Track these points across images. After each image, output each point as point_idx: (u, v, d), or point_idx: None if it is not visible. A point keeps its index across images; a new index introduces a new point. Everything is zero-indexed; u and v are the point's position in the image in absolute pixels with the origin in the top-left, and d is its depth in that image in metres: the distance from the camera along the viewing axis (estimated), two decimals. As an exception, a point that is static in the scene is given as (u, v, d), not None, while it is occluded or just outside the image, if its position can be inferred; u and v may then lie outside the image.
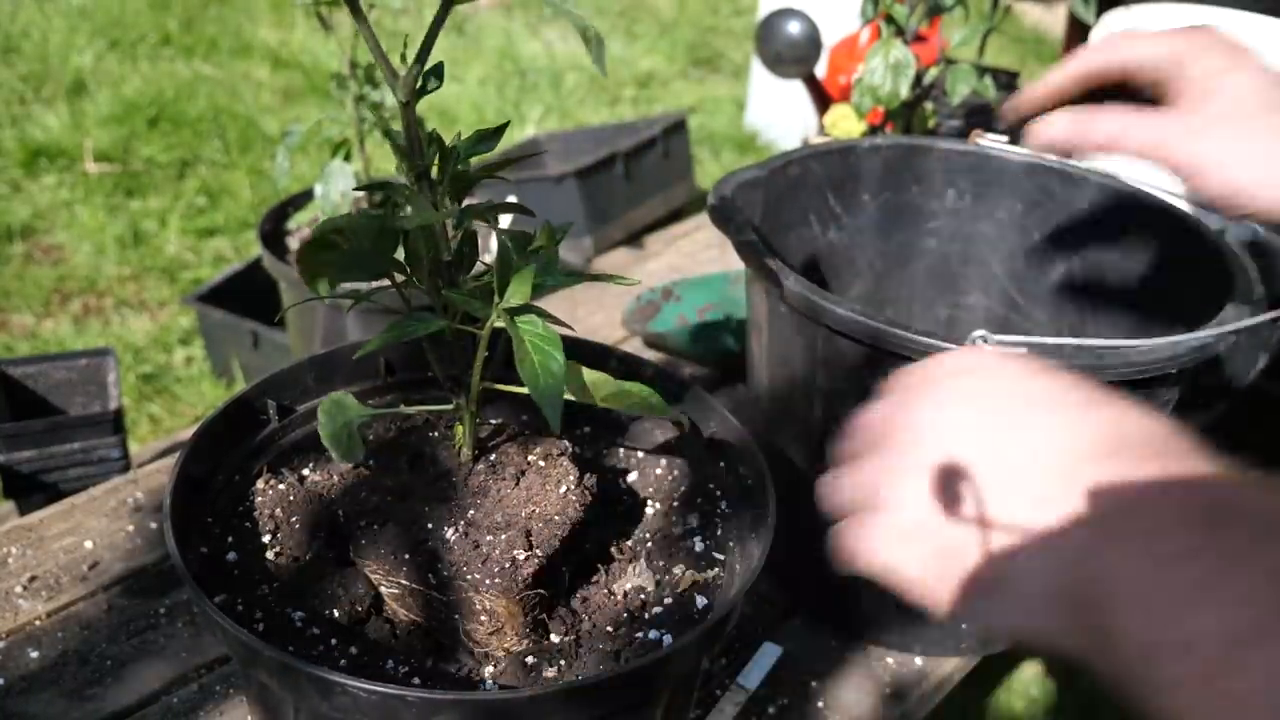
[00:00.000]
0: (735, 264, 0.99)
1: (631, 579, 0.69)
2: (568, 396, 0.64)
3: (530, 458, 0.69)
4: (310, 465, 0.75)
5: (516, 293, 0.57)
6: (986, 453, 0.41)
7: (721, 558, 0.72)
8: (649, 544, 0.73)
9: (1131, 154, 0.67)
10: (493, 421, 0.74)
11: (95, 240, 2.31)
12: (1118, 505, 0.37)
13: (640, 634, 0.65)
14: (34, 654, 0.82)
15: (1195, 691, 0.33)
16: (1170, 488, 0.36)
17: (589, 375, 0.64)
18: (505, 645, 0.64)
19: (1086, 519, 0.37)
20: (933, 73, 1.17)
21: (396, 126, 0.59)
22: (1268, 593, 0.33)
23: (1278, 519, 0.35)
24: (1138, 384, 0.68)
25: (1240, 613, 0.33)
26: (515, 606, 0.63)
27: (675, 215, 1.95)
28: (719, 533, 0.73)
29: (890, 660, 0.88)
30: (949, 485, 0.41)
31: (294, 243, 1.69)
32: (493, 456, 0.70)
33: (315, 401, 0.78)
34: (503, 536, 0.64)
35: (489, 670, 0.63)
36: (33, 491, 1.41)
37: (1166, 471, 0.37)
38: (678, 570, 0.70)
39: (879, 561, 0.43)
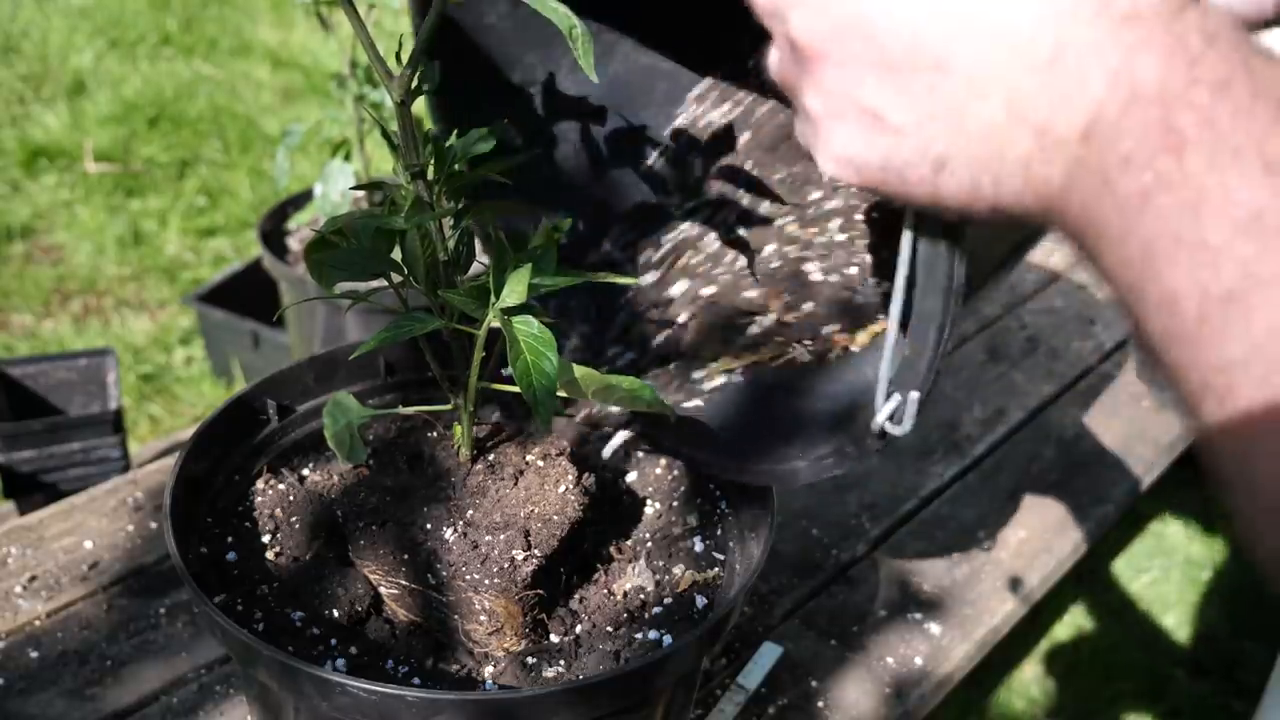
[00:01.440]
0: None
1: (631, 579, 0.69)
2: (561, 394, 0.64)
3: (529, 457, 0.69)
4: (310, 465, 0.75)
5: (513, 293, 0.57)
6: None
7: (721, 558, 0.72)
8: (649, 544, 0.73)
9: None
10: (492, 421, 0.74)
11: (95, 240, 2.31)
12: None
13: (640, 634, 0.65)
14: (34, 654, 0.82)
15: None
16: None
17: (579, 370, 0.64)
18: (505, 645, 0.64)
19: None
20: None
21: (394, 127, 0.59)
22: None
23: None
24: None
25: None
26: (515, 606, 0.63)
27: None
28: (719, 533, 0.73)
29: (890, 660, 0.88)
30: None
31: (294, 243, 1.69)
32: (491, 456, 0.70)
33: (315, 401, 0.78)
34: (502, 536, 0.64)
35: (489, 670, 0.63)
36: (33, 491, 1.41)
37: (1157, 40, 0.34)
38: (678, 570, 0.70)
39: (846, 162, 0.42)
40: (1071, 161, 0.35)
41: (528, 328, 0.58)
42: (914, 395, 0.53)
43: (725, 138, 0.79)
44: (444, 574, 0.64)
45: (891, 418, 0.54)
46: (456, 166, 0.60)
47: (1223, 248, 0.31)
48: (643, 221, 0.80)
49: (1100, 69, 0.34)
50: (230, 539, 0.68)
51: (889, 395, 0.54)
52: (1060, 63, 0.34)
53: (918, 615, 0.93)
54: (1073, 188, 0.35)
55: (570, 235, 0.75)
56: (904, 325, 0.52)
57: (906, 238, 0.48)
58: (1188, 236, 0.31)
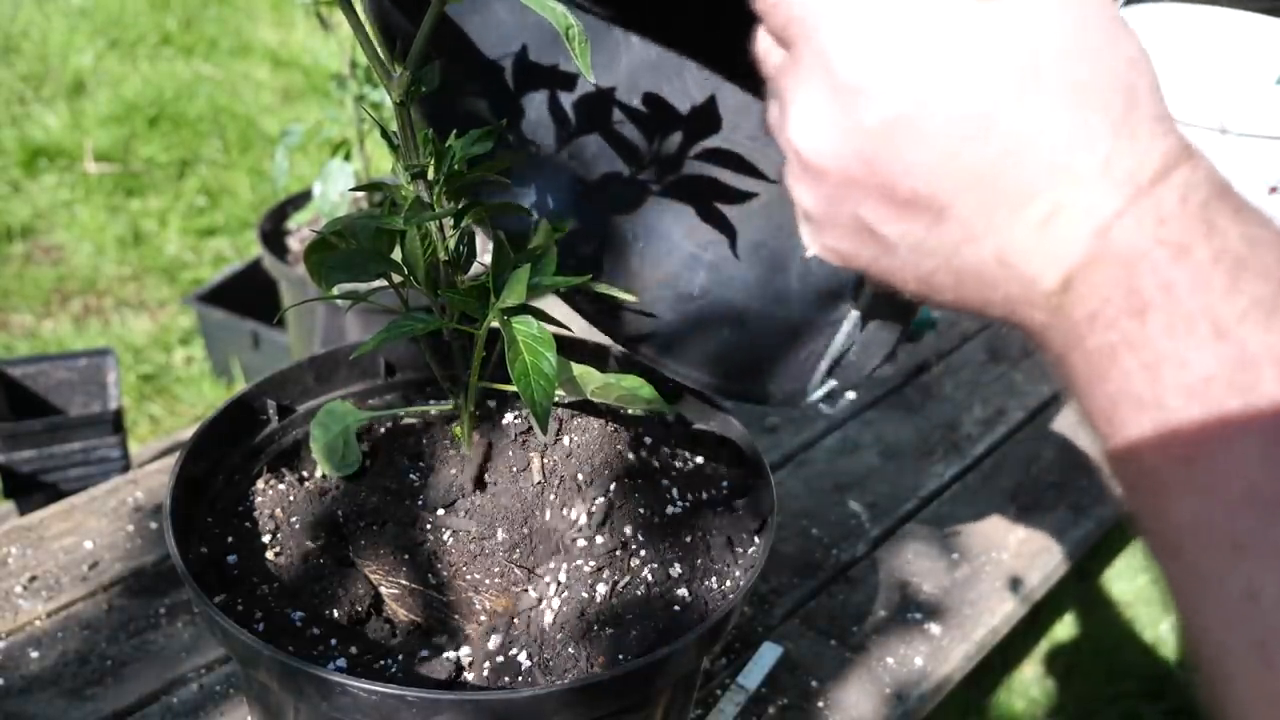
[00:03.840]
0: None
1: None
2: (560, 394, 0.64)
3: (530, 457, 0.69)
4: (310, 465, 0.75)
5: (512, 293, 0.57)
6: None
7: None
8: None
9: None
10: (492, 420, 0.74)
11: (95, 240, 2.32)
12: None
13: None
14: (34, 654, 0.82)
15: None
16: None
17: (578, 369, 0.64)
18: (505, 645, 0.64)
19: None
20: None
21: (394, 127, 0.59)
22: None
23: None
24: None
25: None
26: (515, 606, 0.63)
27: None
28: (718, 532, 0.73)
29: (890, 660, 0.88)
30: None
31: (294, 243, 1.69)
32: (491, 456, 0.69)
33: (315, 401, 0.78)
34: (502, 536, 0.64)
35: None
36: (33, 491, 1.41)
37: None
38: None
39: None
40: (1052, 309, 0.36)
41: (527, 328, 0.58)
42: (850, 395, 0.58)
43: (709, 114, 0.74)
44: (444, 574, 0.64)
45: (828, 398, 0.59)
46: (456, 166, 0.60)
47: (1178, 411, 0.32)
48: (615, 194, 0.76)
49: (1088, 232, 0.35)
50: (230, 539, 0.68)
51: (825, 381, 0.59)
52: (1054, 223, 0.35)
53: (918, 615, 0.93)
54: (1052, 330, 0.37)
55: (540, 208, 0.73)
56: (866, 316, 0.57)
57: (866, 295, 0.54)
58: (1148, 398, 0.33)
